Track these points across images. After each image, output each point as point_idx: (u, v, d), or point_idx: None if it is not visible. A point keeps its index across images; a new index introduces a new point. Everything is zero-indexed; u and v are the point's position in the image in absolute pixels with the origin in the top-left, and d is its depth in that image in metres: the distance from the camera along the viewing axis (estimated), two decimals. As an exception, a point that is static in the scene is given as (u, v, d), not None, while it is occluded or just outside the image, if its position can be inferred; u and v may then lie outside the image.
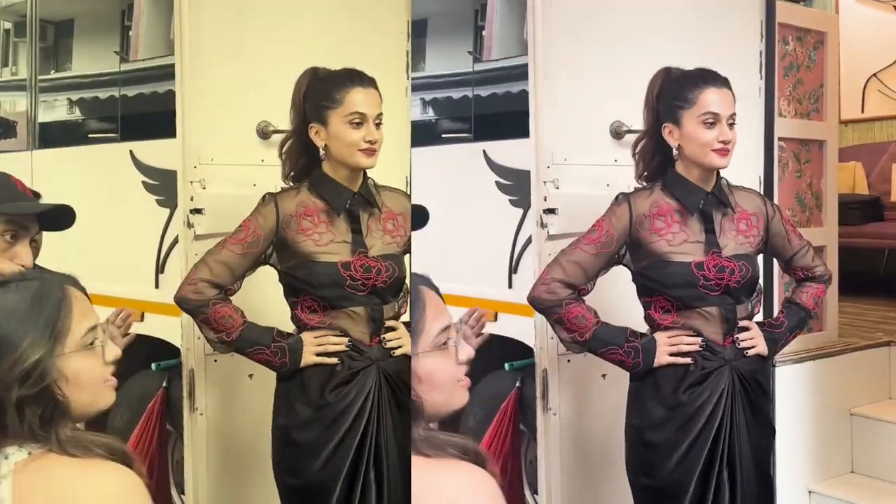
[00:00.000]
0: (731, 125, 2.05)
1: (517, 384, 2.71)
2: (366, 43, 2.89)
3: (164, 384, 2.64)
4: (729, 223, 2.12)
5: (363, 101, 2.05)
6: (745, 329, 2.12)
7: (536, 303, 2.14)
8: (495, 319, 2.79)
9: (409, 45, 3.07)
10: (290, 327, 2.19)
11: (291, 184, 2.16)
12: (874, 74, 5.59)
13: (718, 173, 2.13)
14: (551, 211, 2.58)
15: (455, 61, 3.21)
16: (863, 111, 5.72)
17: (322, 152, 2.10)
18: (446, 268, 2.73)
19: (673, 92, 2.08)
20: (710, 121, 2.02)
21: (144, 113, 2.77)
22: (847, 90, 5.79)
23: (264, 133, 2.73)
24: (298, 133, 2.13)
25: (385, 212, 2.17)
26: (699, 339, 2.05)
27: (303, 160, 2.14)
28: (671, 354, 2.06)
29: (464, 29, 3.18)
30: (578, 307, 2.10)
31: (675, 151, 2.09)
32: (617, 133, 2.72)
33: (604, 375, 2.49)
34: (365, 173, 2.14)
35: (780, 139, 3.13)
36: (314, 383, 2.06)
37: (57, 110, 2.97)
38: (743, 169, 2.86)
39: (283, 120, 2.55)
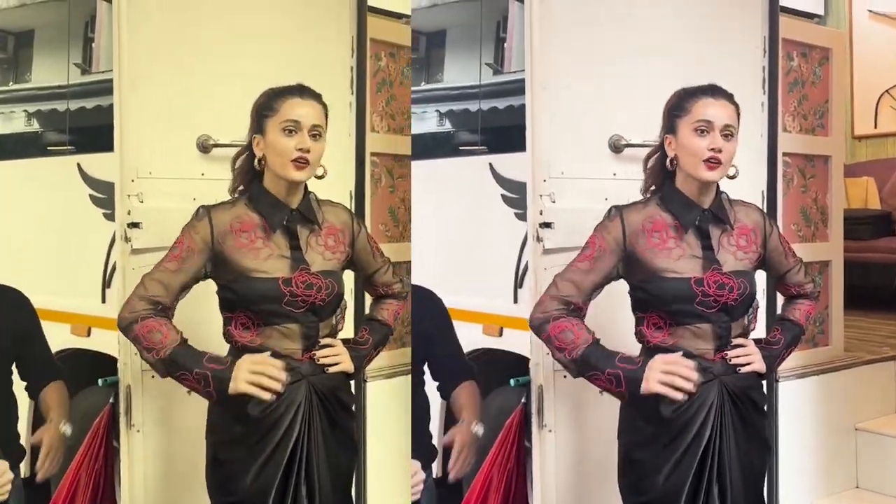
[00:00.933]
0: (728, 136, 2.00)
1: (523, 400, 2.67)
2: (310, 58, 2.90)
3: (110, 400, 2.59)
4: (728, 239, 2.09)
5: (298, 109, 2.03)
6: (740, 346, 2.08)
7: (532, 324, 2.12)
8: (500, 334, 2.79)
9: (353, 60, 3.11)
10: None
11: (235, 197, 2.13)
12: (887, 91, 5.58)
13: (718, 188, 2.09)
14: (547, 225, 2.57)
15: (474, 73, 3.16)
16: (875, 127, 5.70)
17: (260, 164, 2.07)
18: (453, 281, 2.79)
19: (675, 104, 2.07)
20: (703, 128, 1.98)
21: (97, 125, 2.73)
22: (860, 106, 5.80)
23: (204, 147, 2.72)
24: (247, 147, 2.11)
25: (325, 227, 2.14)
26: (696, 376, 1.97)
27: (249, 175, 2.12)
28: (663, 383, 1.98)
29: (485, 41, 3.16)
30: (566, 321, 2.06)
31: (672, 163, 2.06)
32: (616, 147, 2.71)
33: (601, 391, 2.46)
34: (306, 187, 2.11)
35: (784, 154, 3.15)
36: (242, 399, 1.99)
37: (14, 122, 2.92)
38: (746, 184, 2.81)
39: (224, 134, 2.69)
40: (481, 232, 2.88)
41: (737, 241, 2.09)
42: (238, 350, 2.04)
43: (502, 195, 2.88)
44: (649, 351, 2.05)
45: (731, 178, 2.07)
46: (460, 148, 3.26)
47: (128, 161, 2.57)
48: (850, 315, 3.43)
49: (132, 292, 2.06)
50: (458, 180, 2.96)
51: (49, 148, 2.96)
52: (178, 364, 1.98)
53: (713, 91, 2.03)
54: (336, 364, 2.10)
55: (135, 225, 2.55)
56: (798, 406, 3.07)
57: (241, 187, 2.11)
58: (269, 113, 2.02)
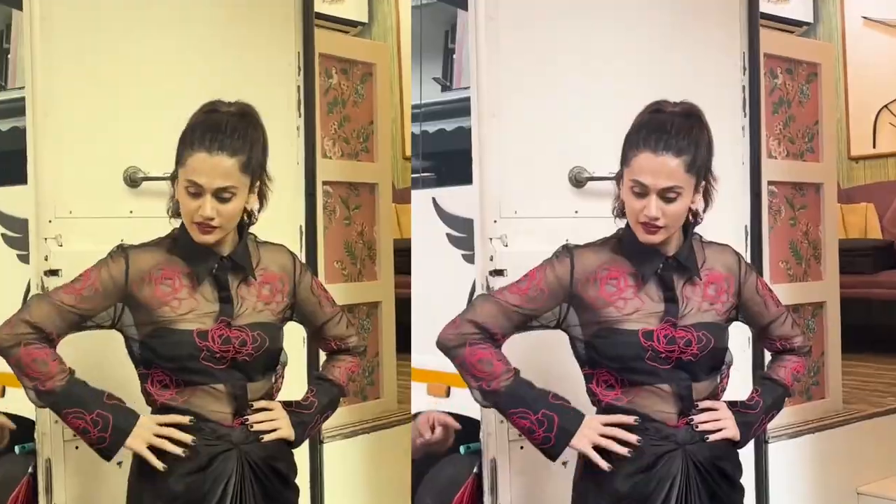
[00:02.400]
0: (669, 199, 1.87)
1: (475, 469, 2.57)
2: (250, 77, 2.79)
3: (29, 470, 2.48)
4: (694, 289, 2.00)
5: (203, 170, 1.89)
6: (709, 409, 1.99)
7: (441, 343, 2.02)
8: (447, 395, 2.72)
9: (300, 79, 3.00)
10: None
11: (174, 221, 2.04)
12: (885, 106, 5.51)
13: (686, 232, 1.99)
14: (499, 272, 2.43)
15: (417, 89, 3.13)
16: (874, 146, 5.63)
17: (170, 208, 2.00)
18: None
19: (626, 139, 1.94)
20: (637, 190, 1.88)
21: (12, 151, 2.61)
22: (856, 124, 5.73)
23: (132, 181, 2.59)
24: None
25: (261, 275, 2.05)
26: (635, 438, 1.91)
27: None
28: (596, 448, 1.92)
29: (432, 52, 3.17)
30: (485, 349, 1.98)
31: (623, 209, 1.97)
32: (577, 181, 2.59)
33: (564, 464, 2.27)
34: (242, 229, 2.02)
35: (770, 183, 3.09)
36: (162, 472, 1.92)
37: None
38: (727, 217, 2.85)
39: (154, 165, 2.53)
40: (424, 277, 2.83)
41: (704, 290, 2.01)
42: (160, 411, 1.98)
43: (448, 234, 2.82)
44: (604, 412, 1.99)
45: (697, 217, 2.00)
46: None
47: (44, 197, 2.44)
48: (850, 360, 3.38)
49: (16, 313, 1.96)
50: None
51: None
52: (73, 398, 1.93)
53: (656, 143, 1.88)
54: (272, 430, 2.01)
55: (53, 272, 2.40)
56: (792, 469, 2.99)
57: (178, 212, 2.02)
58: (179, 162, 1.93)
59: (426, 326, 2.76)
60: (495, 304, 2.01)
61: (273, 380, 2.07)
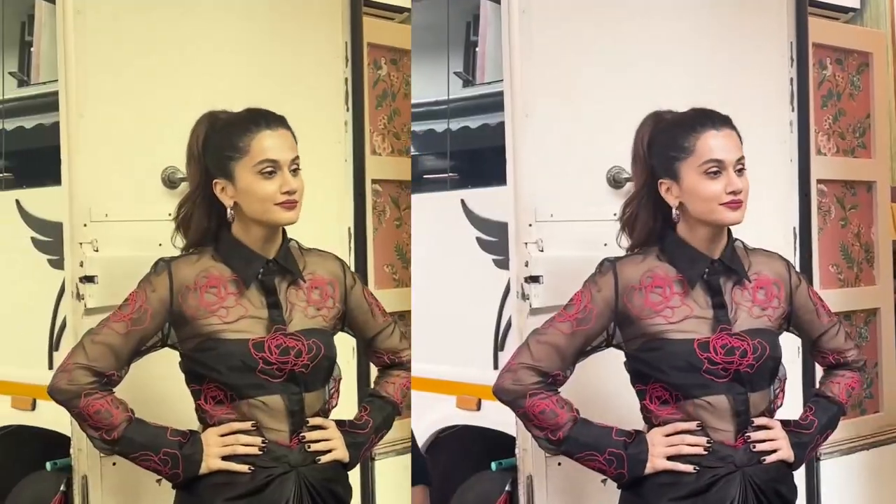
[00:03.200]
0: (740, 171, 1.91)
1: (507, 487, 2.59)
2: (295, 70, 2.77)
3: (62, 488, 2.45)
4: (743, 293, 1.98)
5: (273, 145, 1.91)
6: (764, 427, 1.96)
7: (500, 394, 2.01)
8: (478, 408, 2.74)
9: (348, 70, 2.94)
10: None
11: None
12: None
13: (730, 234, 1.99)
14: (534, 279, 2.40)
15: (440, 85, 3.11)
16: None
17: (230, 213, 1.95)
18: (422, 344, 2.67)
19: (666, 141, 1.94)
20: (714, 169, 1.89)
21: (39, 149, 2.62)
22: None
23: (171, 181, 2.52)
24: (202, 192, 1.98)
25: (310, 280, 2.02)
26: (705, 440, 1.92)
27: (211, 224, 1.99)
28: (670, 458, 1.91)
29: (453, 46, 3.13)
30: (546, 400, 1.96)
31: (675, 212, 1.95)
32: (616, 181, 2.56)
33: (604, 481, 2.29)
34: (284, 234, 2.01)
35: (819, 182, 3.05)
36: (215, 494, 1.90)
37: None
38: (774, 219, 2.88)
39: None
40: (453, 284, 2.85)
41: (754, 294, 2.00)
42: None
43: (478, 238, 2.82)
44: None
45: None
46: (424, 177, 3.30)
47: (79, 200, 2.37)
48: (903, 373, 3.28)
49: (70, 354, 1.95)
50: (423, 219, 2.90)
51: None
52: (137, 443, 1.93)
53: (713, 120, 1.94)
54: (328, 451, 1.99)
55: (89, 279, 2.35)
56: (845, 488, 2.96)
57: (198, 240, 2.01)
58: (236, 154, 1.91)
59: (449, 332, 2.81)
60: (548, 340, 1.99)
61: (326, 395, 2.03)
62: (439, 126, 3.21)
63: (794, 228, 2.89)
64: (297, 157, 1.94)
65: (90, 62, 2.39)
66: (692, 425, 1.91)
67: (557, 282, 2.39)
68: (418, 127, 3.26)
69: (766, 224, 2.80)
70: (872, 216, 3.25)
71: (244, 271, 1.95)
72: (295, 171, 1.93)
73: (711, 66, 2.66)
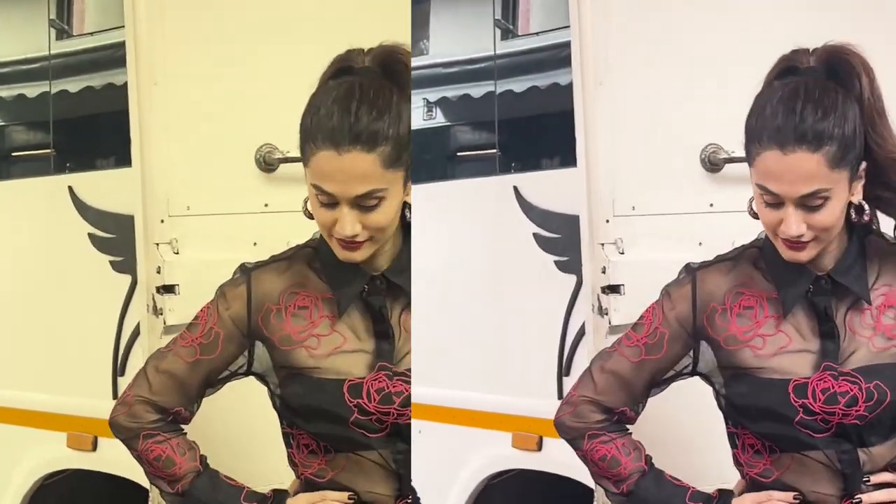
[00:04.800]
0: (814, 209, 1.62)
1: None
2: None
3: None
4: (862, 318, 1.73)
5: (331, 173, 1.63)
6: (888, 485, 1.72)
7: (560, 430, 1.88)
8: (539, 447, 2.57)
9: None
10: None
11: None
12: None
13: (856, 229, 1.73)
14: (614, 289, 2.27)
15: (477, 38, 2.92)
16: None
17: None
18: (465, 370, 2.68)
19: (747, 122, 1.68)
20: (768, 200, 1.64)
21: (89, 121, 2.48)
22: None
23: (267, 163, 2.36)
24: None
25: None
26: (792, 495, 1.74)
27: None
28: None
29: None
30: (609, 444, 1.81)
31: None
32: (712, 163, 2.38)
33: None
34: (406, 230, 1.84)
35: None
36: None
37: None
38: None
39: (294, 142, 2.18)
40: (503, 291, 2.70)
41: (878, 319, 1.74)
42: (307, 487, 1.82)
43: (535, 235, 2.64)
44: (750, 487, 1.82)
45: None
46: (459, 155, 3.20)
47: (154, 189, 2.24)
48: None
49: (132, 384, 1.81)
50: (463, 209, 2.81)
51: (14, 154, 2.81)
52: (204, 502, 1.83)
53: (785, 134, 1.61)
54: None
55: (168, 289, 2.23)
56: None
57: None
58: (303, 160, 1.70)
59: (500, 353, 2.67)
60: (613, 368, 1.83)
61: None
62: (477, 90, 3.03)
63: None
64: (375, 191, 1.65)
65: (165, 17, 2.22)
66: (789, 497, 1.73)
67: (640, 291, 2.13)
68: (451, 91, 3.10)
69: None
70: None
71: (342, 290, 1.75)
72: (367, 208, 1.66)
73: (828, 9, 2.36)
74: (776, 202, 1.64)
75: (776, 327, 1.73)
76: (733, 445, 1.81)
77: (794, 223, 1.63)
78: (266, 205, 2.40)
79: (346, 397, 1.73)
